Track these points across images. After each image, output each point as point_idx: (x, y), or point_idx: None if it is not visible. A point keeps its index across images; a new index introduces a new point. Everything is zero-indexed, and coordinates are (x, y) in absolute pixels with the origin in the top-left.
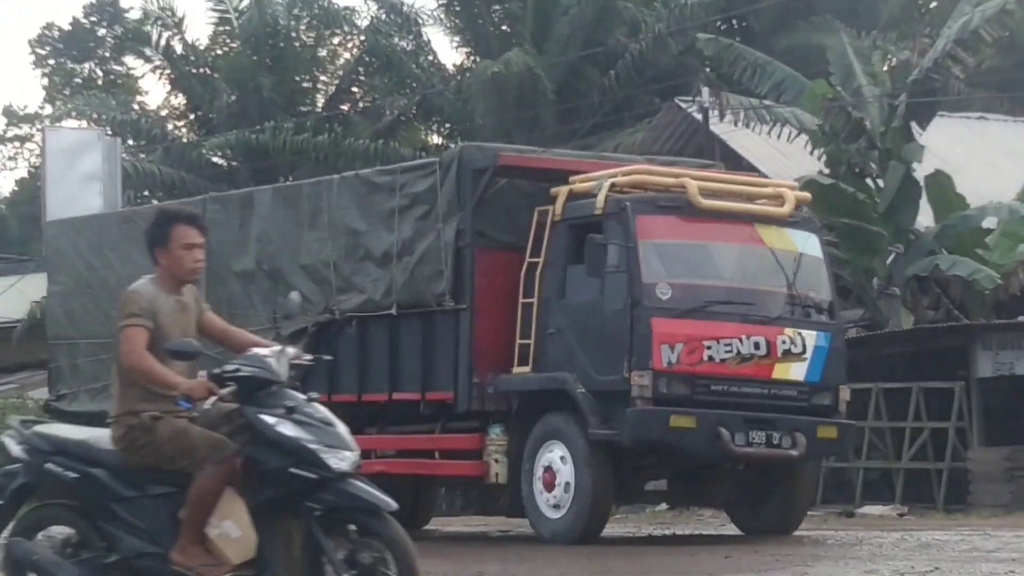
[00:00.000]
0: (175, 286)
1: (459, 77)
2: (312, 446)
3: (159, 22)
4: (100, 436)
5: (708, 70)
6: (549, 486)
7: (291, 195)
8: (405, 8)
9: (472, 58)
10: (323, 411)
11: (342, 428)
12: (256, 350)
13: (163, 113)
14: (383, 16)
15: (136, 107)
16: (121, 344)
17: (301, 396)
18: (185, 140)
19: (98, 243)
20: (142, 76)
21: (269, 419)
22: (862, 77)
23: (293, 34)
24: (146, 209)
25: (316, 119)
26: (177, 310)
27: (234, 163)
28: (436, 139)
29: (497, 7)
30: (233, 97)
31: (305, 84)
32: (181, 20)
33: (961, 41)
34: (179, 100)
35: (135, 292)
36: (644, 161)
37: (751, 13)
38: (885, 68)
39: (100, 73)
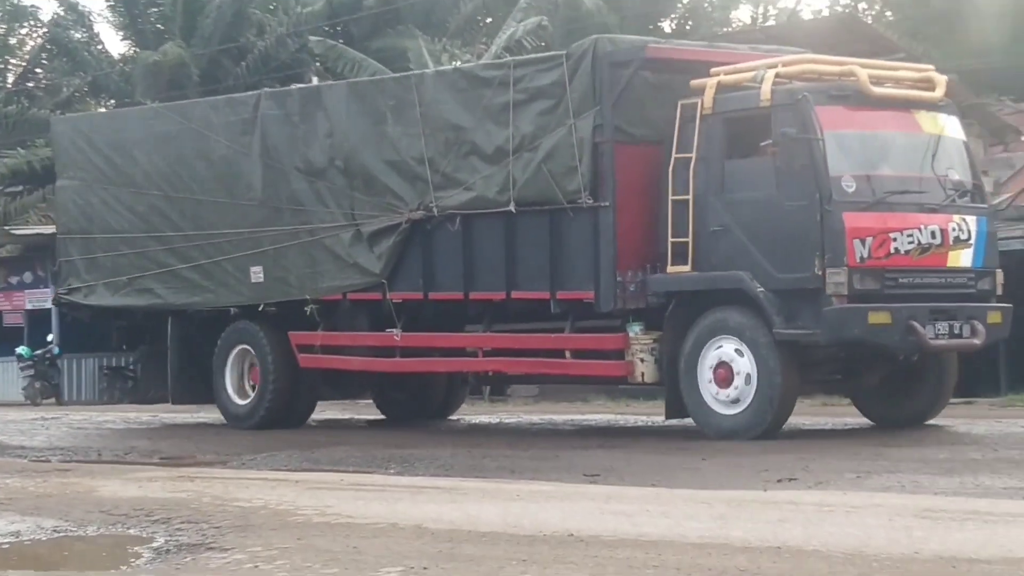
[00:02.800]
0: None
1: (123, 63)
2: None
3: None
4: None
5: (318, 64)
6: (724, 382)
7: (369, 91)
8: (80, 7)
9: (133, 49)
10: None
11: None
12: None
13: None
14: (62, 12)
15: None
16: None
17: None
18: None
19: (118, 140)
20: None
21: None
22: None
23: None
24: (172, 106)
25: (7, 93)
26: None
27: None
28: None
29: (153, 9)
30: None
31: None
32: None
33: (509, 48)
34: None
35: None
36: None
37: (351, 21)
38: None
39: None
